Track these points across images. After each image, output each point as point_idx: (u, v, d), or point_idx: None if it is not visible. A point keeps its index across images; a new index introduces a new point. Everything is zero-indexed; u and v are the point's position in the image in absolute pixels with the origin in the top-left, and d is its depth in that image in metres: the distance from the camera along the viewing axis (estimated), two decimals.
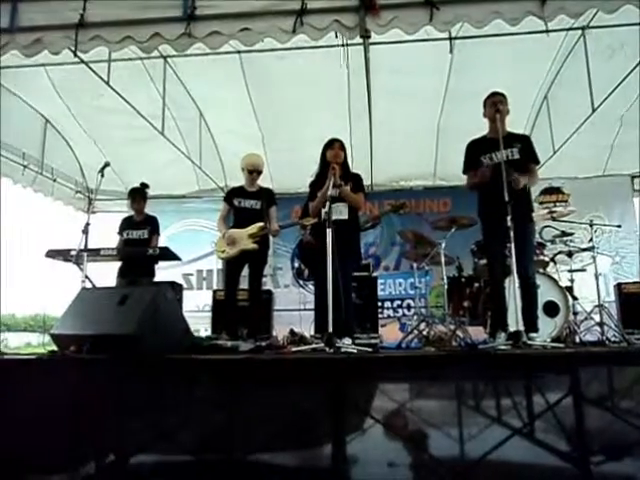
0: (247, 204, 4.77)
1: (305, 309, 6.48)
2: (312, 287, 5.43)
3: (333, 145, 4.16)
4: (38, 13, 3.56)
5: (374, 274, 6.31)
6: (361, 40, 3.53)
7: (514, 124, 4.05)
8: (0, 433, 2.67)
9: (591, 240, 5.34)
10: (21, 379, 2.81)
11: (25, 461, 2.64)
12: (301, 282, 7.22)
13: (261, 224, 4.61)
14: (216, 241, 4.91)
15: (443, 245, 5.26)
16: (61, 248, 4.44)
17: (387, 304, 7.54)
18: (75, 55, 3.74)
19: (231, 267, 4.81)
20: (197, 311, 7.33)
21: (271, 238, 4.88)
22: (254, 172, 4.82)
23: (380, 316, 6.12)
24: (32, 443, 2.61)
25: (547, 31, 3.46)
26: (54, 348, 3.31)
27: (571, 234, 5.40)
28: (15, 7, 3.57)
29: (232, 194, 4.90)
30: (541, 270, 4.90)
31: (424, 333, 5.18)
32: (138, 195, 5.47)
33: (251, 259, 4.67)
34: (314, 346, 3.45)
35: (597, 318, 5.08)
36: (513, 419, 2.50)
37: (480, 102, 4.00)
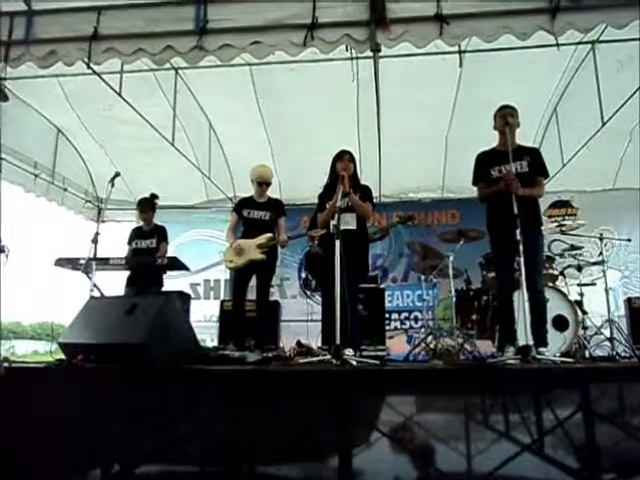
0: (256, 215, 4.79)
1: (312, 320, 6.45)
2: (319, 298, 5.42)
3: (343, 157, 4.14)
4: (53, 25, 3.62)
5: (382, 285, 6.30)
6: (371, 53, 3.54)
7: (523, 136, 4.05)
8: (7, 441, 2.68)
9: (601, 254, 5.32)
10: (28, 387, 2.82)
11: (31, 470, 2.64)
12: (308, 293, 7.22)
13: (270, 235, 4.64)
14: (224, 251, 4.93)
15: (451, 257, 5.24)
16: (70, 257, 4.48)
17: (394, 316, 7.49)
18: (88, 67, 3.80)
19: (239, 277, 4.82)
20: (204, 321, 7.32)
21: (279, 249, 4.90)
22: (263, 184, 4.85)
23: (387, 328, 6.08)
24: (38, 452, 2.62)
25: (557, 45, 3.47)
26: (61, 357, 3.32)
27: (580, 247, 5.38)
28: (30, 20, 3.63)
29: (241, 205, 4.93)
30: (550, 284, 4.86)
31: (431, 346, 5.15)
32: (147, 205, 5.51)
33: (259, 269, 4.68)
34: (321, 358, 3.43)
35: (607, 333, 5.04)
36: (522, 435, 2.47)
37: (489, 115, 4.00)
